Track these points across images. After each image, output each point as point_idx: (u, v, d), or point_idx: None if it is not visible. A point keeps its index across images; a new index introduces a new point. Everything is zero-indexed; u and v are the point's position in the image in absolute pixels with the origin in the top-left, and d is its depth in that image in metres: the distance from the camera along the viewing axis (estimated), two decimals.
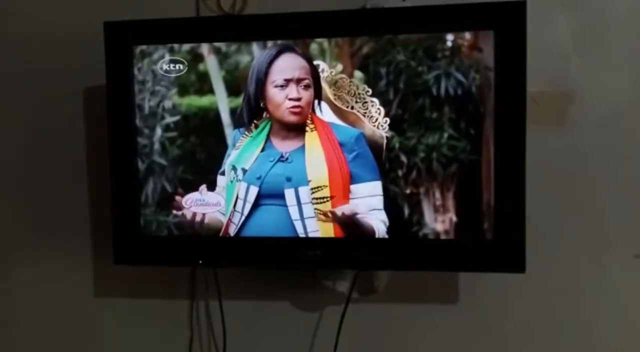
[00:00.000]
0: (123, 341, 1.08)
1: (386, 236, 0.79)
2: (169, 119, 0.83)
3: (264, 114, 0.81)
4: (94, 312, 1.08)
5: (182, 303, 1.05)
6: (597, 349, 0.95)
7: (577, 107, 0.94)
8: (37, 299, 1.09)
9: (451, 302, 0.97)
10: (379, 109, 0.79)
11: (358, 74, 0.80)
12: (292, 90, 0.78)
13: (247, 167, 0.81)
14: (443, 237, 0.80)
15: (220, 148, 0.82)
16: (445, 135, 0.78)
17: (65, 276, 1.08)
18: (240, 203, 0.81)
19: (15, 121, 1.07)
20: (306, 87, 0.79)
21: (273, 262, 0.84)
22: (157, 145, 0.84)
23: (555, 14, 0.93)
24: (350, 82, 0.80)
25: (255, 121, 0.81)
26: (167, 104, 0.83)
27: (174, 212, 0.83)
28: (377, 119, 0.80)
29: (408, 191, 0.79)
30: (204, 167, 0.83)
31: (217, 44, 0.81)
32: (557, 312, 0.95)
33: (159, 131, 0.84)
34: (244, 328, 1.02)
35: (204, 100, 0.82)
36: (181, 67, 0.82)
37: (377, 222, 0.79)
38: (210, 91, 0.82)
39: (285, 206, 0.79)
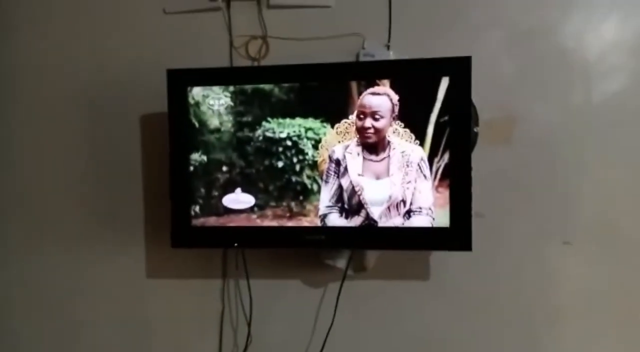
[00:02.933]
0: (168, 313, 1.35)
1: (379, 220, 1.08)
2: (211, 137, 1.14)
3: None
4: (147, 290, 1.36)
5: (215, 282, 1.32)
6: (536, 314, 1.21)
7: (520, 128, 1.22)
8: (101, 280, 1.37)
9: (423, 279, 1.25)
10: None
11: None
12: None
13: None
14: (422, 224, 1.08)
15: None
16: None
17: (124, 262, 1.36)
18: None
19: (88, 138, 1.37)
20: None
21: (289, 244, 1.13)
22: (203, 157, 1.14)
23: (502, 58, 1.22)
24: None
25: None
26: (211, 126, 1.14)
27: (218, 206, 1.13)
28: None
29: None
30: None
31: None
32: (504, 286, 1.22)
33: (202, 148, 1.14)
34: (265, 301, 1.29)
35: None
36: (221, 102, 1.13)
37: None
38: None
39: None
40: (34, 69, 1.38)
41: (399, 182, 1.09)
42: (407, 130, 1.08)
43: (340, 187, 1.11)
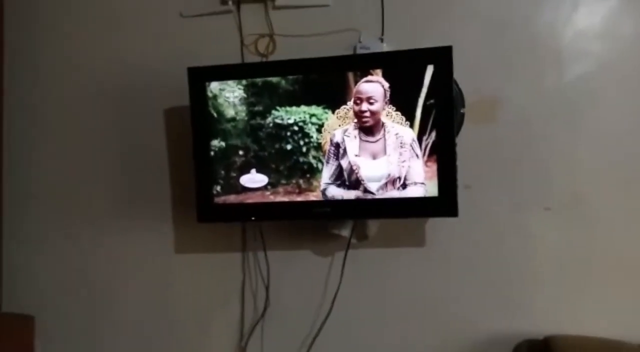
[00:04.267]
0: (195, 284, 1.52)
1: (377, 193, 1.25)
2: (228, 125, 1.31)
3: None
4: (175, 264, 1.53)
5: (236, 255, 1.49)
6: (518, 274, 1.36)
7: (502, 109, 1.37)
8: (133, 256, 1.54)
9: (419, 246, 1.40)
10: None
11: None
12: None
13: None
14: (414, 195, 1.24)
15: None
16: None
17: (154, 240, 1.52)
18: None
19: (117, 130, 1.55)
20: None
21: (299, 217, 1.30)
22: (221, 143, 1.31)
23: (485, 47, 1.37)
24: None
25: None
26: (227, 116, 1.31)
27: (236, 185, 1.31)
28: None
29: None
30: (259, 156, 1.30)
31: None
32: (489, 250, 1.37)
33: (220, 135, 1.31)
34: (281, 269, 1.46)
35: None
36: (236, 94, 1.30)
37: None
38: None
39: None
40: (71, 69, 1.57)
41: (396, 161, 1.25)
42: (399, 113, 1.24)
43: (339, 166, 1.28)
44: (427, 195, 1.24)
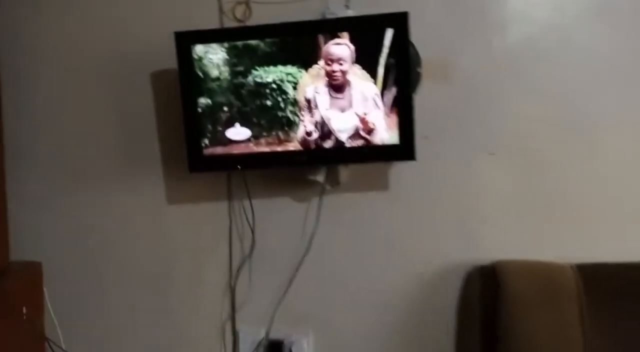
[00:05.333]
0: (186, 231, 1.67)
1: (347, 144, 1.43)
2: (213, 84, 1.46)
3: None
4: (167, 214, 1.69)
5: (223, 203, 1.65)
6: (470, 214, 1.56)
7: (454, 68, 1.55)
8: (128, 209, 1.69)
9: (384, 190, 1.59)
10: None
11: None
12: None
13: None
14: (379, 143, 1.43)
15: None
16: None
17: (147, 193, 1.68)
18: None
19: (108, 94, 1.68)
20: None
21: (279, 165, 1.48)
22: (208, 101, 1.47)
23: (437, 11, 1.54)
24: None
25: None
26: (212, 76, 1.46)
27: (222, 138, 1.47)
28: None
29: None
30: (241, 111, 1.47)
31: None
32: (444, 192, 1.56)
33: (206, 93, 1.47)
34: (264, 214, 1.61)
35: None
36: (219, 56, 1.45)
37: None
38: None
39: None
40: (62, 38, 1.69)
41: (361, 114, 1.43)
42: (364, 71, 1.41)
43: (312, 120, 1.45)
44: (390, 143, 1.43)
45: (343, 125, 1.45)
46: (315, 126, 1.45)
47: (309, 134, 1.44)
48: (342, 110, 1.44)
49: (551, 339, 1.36)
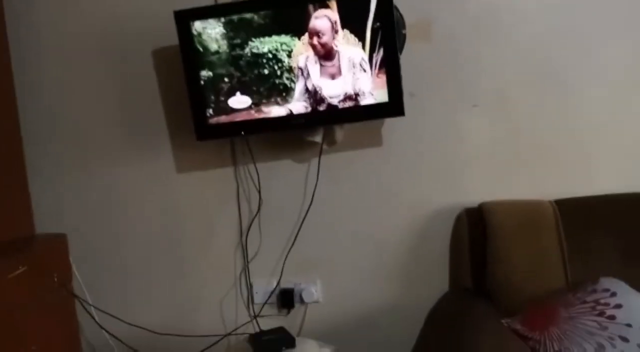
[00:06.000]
0: (196, 197, 1.81)
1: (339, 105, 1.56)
2: (213, 57, 1.57)
3: None
4: (177, 182, 1.82)
5: (229, 169, 1.79)
6: (455, 160, 1.70)
7: (435, 28, 1.67)
8: (140, 180, 1.82)
9: (378, 146, 1.73)
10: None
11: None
12: None
13: None
14: (369, 102, 1.55)
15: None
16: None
17: (157, 163, 1.81)
18: None
19: (114, 71, 1.79)
20: None
21: (279, 128, 1.61)
22: (209, 73, 1.58)
23: None
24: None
25: None
26: (211, 49, 1.57)
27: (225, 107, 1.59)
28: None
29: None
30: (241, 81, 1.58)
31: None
32: (431, 144, 1.70)
33: (207, 66, 1.57)
34: (268, 175, 1.76)
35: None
36: (217, 30, 1.55)
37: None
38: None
39: None
40: (68, 21, 1.79)
41: (350, 80, 1.55)
42: (352, 35, 1.53)
43: (306, 86, 1.57)
44: (380, 101, 1.56)
45: (334, 92, 1.57)
46: (308, 93, 1.57)
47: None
48: (332, 77, 1.56)
49: (534, 265, 1.53)
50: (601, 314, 1.39)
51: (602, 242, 1.54)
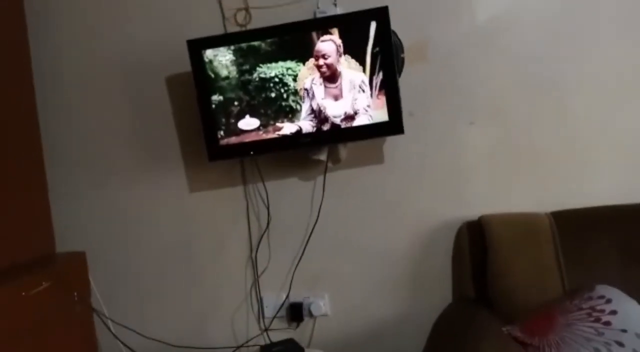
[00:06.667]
0: (208, 215, 1.90)
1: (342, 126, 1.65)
2: (223, 82, 1.68)
3: None
4: (190, 201, 1.92)
5: (239, 188, 1.88)
6: (454, 174, 1.78)
7: (431, 49, 1.77)
8: (155, 199, 1.92)
9: (380, 163, 1.81)
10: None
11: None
12: None
13: None
14: (371, 122, 1.65)
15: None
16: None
17: (171, 184, 1.91)
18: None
19: (129, 97, 1.91)
20: None
21: (286, 148, 1.70)
22: (220, 97, 1.68)
23: (414, 4, 1.76)
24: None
25: None
26: (222, 75, 1.67)
27: (235, 129, 1.69)
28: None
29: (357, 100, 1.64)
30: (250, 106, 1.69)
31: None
32: (431, 160, 1.78)
33: (218, 91, 1.68)
34: (276, 194, 1.85)
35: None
36: (227, 57, 1.66)
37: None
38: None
39: None
40: (88, 48, 1.93)
41: (351, 101, 1.65)
42: (354, 60, 1.63)
43: (311, 106, 1.67)
44: (380, 121, 1.65)
45: (337, 112, 1.67)
46: (313, 113, 1.67)
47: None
48: (336, 98, 1.66)
49: (532, 275, 1.60)
50: (597, 320, 1.44)
51: (597, 251, 1.59)
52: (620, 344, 1.39)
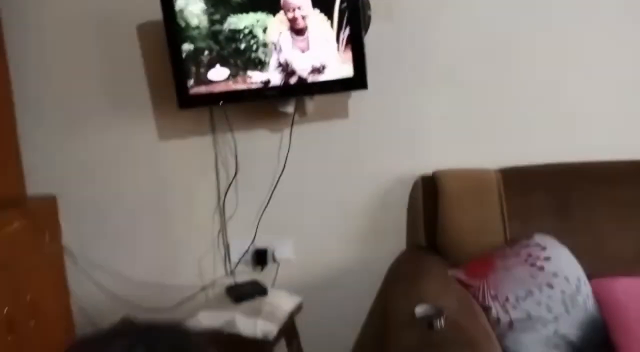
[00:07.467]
0: (177, 164, 1.97)
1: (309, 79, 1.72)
2: (194, 32, 1.71)
3: None
4: (158, 149, 1.98)
5: (207, 137, 1.95)
6: (412, 131, 1.87)
7: (396, 9, 1.83)
8: (124, 147, 1.97)
9: (345, 118, 1.90)
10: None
11: None
12: None
13: None
14: (336, 77, 1.72)
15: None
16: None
17: (140, 131, 1.96)
18: None
19: (100, 45, 1.93)
20: None
21: (255, 99, 1.76)
22: (190, 46, 1.72)
23: None
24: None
25: None
26: (192, 25, 1.71)
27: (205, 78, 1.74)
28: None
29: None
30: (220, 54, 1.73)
31: None
32: (393, 116, 1.87)
33: (189, 40, 1.71)
34: (245, 144, 1.91)
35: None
36: (198, 6, 1.69)
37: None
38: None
39: None
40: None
41: (317, 55, 1.71)
42: (322, 14, 1.68)
43: (279, 59, 1.73)
44: (345, 76, 1.72)
45: (304, 65, 1.73)
46: (281, 66, 1.73)
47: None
48: (302, 51, 1.72)
49: (478, 225, 1.73)
50: (532, 265, 1.59)
51: (537, 204, 1.74)
52: (550, 286, 1.55)
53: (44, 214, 1.88)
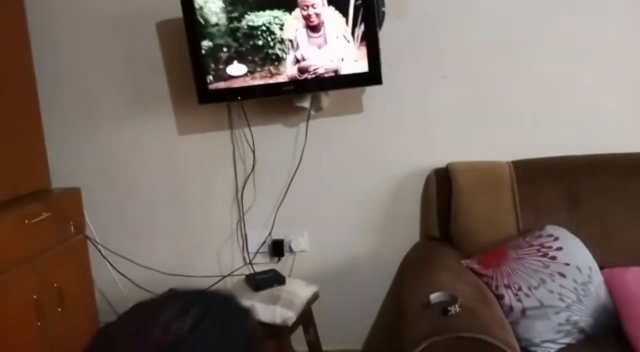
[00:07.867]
0: (196, 157, 2.03)
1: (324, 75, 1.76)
2: (213, 29, 1.76)
3: None
4: (179, 143, 2.04)
5: (225, 132, 2.01)
6: (426, 126, 1.91)
7: (410, 6, 1.87)
8: (146, 141, 2.04)
9: (359, 112, 1.95)
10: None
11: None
12: None
13: None
14: (351, 72, 1.76)
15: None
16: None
17: (160, 126, 2.02)
18: None
19: (120, 41, 1.99)
20: None
21: (272, 94, 1.81)
22: (209, 43, 1.77)
23: None
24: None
25: None
26: (212, 22, 1.76)
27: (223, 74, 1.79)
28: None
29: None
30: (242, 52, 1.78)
31: None
32: (407, 110, 1.91)
33: (208, 37, 1.77)
34: (261, 138, 1.97)
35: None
36: (217, 4, 1.74)
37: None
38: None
39: None
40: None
41: (332, 51, 1.75)
42: (337, 11, 1.73)
43: (295, 56, 1.77)
44: (360, 71, 1.77)
45: (320, 61, 1.77)
46: (298, 62, 1.77)
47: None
48: (319, 47, 1.77)
49: (491, 216, 1.77)
50: (545, 255, 1.63)
51: (549, 196, 1.77)
52: (563, 275, 1.58)
53: (69, 206, 1.95)
